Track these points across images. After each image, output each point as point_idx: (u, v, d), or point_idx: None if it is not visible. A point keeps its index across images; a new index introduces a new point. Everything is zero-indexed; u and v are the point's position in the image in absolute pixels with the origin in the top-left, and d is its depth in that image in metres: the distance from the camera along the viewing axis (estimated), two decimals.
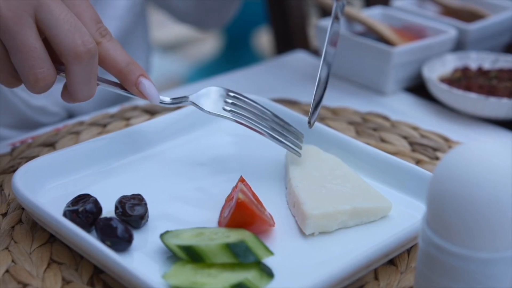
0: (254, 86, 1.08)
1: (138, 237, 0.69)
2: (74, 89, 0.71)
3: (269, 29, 1.63)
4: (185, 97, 0.78)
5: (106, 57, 0.73)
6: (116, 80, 0.75)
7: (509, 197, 0.53)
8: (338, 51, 0.90)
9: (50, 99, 1.05)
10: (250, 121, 0.77)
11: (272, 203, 0.75)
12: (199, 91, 0.79)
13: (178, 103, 0.78)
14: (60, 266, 0.67)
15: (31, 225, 0.72)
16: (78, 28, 0.68)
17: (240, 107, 0.78)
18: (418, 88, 1.08)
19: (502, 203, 0.53)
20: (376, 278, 0.68)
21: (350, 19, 1.13)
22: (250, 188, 0.74)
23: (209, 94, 0.79)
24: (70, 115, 1.09)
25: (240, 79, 1.12)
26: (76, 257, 0.68)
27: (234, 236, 0.65)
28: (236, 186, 0.74)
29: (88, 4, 0.73)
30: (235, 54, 3.11)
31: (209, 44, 3.30)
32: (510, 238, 0.55)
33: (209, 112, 0.77)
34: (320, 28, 1.10)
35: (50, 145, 0.86)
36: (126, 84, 0.75)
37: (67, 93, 0.72)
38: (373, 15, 1.16)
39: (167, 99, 0.77)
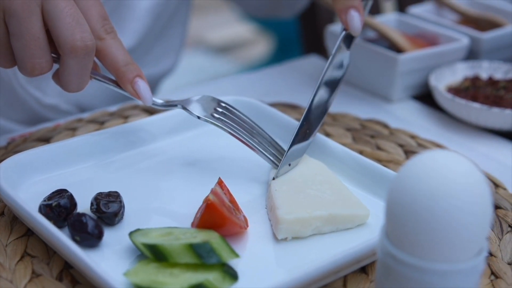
0: (262, 89, 1.09)
1: (111, 234, 0.69)
2: (65, 80, 0.73)
3: (300, 32, 1.63)
4: (177, 101, 0.79)
5: (107, 54, 0.75)
6: (113, 77, 0.77)
7: (463, 209, 0.53)
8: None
9: (63, 97, 1.06)
10: (236, 131, 0.78)
11: (252, 206, 0.75)
12: (192, 97, 0.80)
13: (169, 106, 0.79)
14: (33, 260, 0.68)
15: (12, 218, 0.73)
16: (79, 24, 0.70)
17: (229, 117, 0.79)
18: (427, 96, 1.06)
19: (456, 214, 0.53)
20: (345, 285, 0.67)
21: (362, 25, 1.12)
22: (227, 190, 0.74)
23: (201, 101, 0.80)
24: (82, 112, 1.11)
25: (249, 82, 1.12)
26: (50, 251, 0.69)
27: (201, 237, 0.65)
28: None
29: (97, 0, 0.75)
30: (284, 57, 3.11)
31: (260, 47, 3.31)
32: (464, 250, 0.54)
33: (198, 116, 0.78)
34: (330, 33, 1.09)
35: (45, 140, 0.88)
36: (122, 82, 0.76)
37: (58, 80, 0.74)
38: (387, 22, 1.15)
39: (159, 101, 0.79)
